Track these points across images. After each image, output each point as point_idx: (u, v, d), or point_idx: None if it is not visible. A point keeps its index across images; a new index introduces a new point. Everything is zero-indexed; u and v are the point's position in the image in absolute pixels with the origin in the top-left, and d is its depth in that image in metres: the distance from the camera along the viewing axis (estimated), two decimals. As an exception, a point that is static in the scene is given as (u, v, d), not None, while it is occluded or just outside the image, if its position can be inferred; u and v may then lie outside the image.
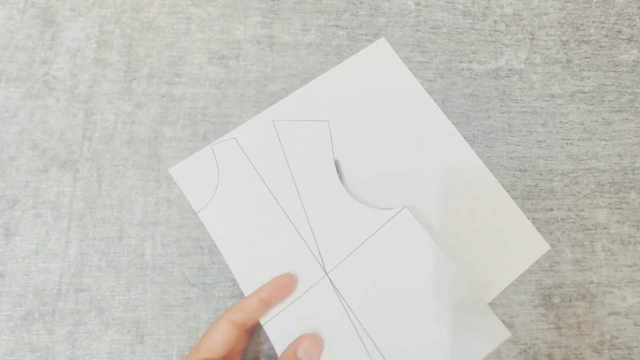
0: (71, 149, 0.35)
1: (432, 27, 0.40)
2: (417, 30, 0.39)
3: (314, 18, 0.39)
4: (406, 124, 0.37)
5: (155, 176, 0.35)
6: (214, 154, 0.35)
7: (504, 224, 0.35)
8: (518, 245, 0.34)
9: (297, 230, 0.33)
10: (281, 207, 0.34)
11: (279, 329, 0.30)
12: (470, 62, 0.39)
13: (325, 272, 0.32)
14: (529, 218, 0.35)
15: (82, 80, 0.36)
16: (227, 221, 0.34)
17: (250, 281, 0.32)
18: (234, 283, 0.33)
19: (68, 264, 0.33)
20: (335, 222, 0.33)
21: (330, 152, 0.35)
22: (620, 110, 0.39)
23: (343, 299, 0.31)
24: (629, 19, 0.41)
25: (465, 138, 0.37)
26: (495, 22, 0.40)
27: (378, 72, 0.38)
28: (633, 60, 0.40)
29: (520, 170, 0.37)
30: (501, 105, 0.38)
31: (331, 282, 0.31)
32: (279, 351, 0.30)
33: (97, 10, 0.38)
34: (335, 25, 0.39)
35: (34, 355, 0.31)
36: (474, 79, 0.38)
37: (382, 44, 0.38)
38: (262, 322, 0.30)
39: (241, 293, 0.33)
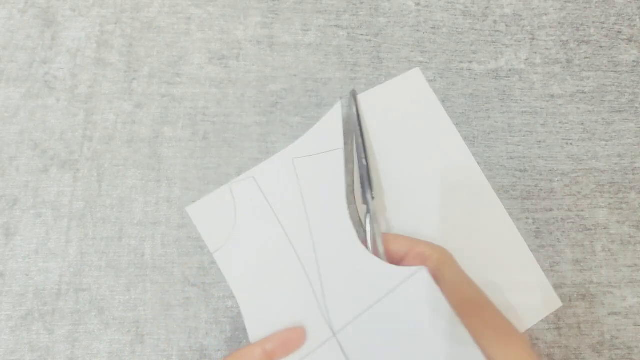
0: (71, 148, 0.35)
1: (432, 27, 0.40)
2: (417, 31, 0.39)
3: (314, 18, 0.39)
4: (431, 160, 0.36)
5: (156, 176, 0.35)
6: (232, 193, 0.34)
7: (519, 277, 0.34)
8: (530, 300, 0.33)
9: (309, 280, 0.31)
10: (296, 254, 0.32)
11: None
12: (470, 62, 0.39)
13: (333, 333, 0.29)
14: (528, 218, 0.35)
15: (82, 80, 0.36)
16: (242, 263, 0.32)
17: (260, 328, 0.30)
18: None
19: (68, 263, 0.33)
20: (347, 275, 0.30)
21: (343, 183, 0.32)
22: (620, 111, 0.39)
23: None
24: (628, 19, 0.41)
25: (465, 138, 0.37)
26: (495, 22, 0.40)
27: (408, 102, 0.37)
28: (633, 61, 0.40)
29: (520, 171, 0.37)
30: (501, 106, 0.38)
31: (340, 345, 0.28)
32: None
33: (97, 10, 0.38)
34: (336, 26, 0.39)
35: (34, 355, 0.31)
36: (474, 79, 0.38)
37: (415, 73, 0.38)
38: None
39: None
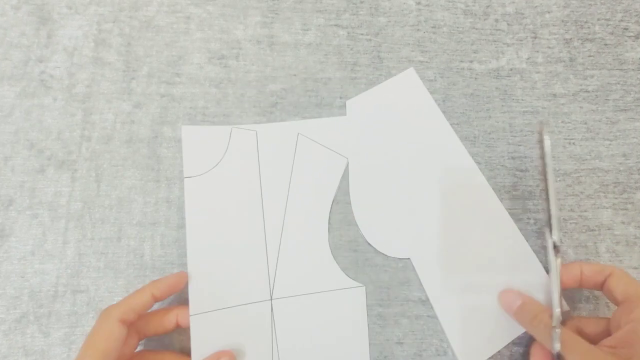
0: (69, 148, 0.35)
1: (432, 27, 0.39)
2: (418, 30, 0.39)
3: (314, 18, 0.39)
4: (429, 161, 0.36)
5: (155, 176, 0.35)
6: (230, 135, 0.35)
7: (521, 277, 0.33)
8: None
9: (265, 246, 0.33)
10: (263, 217, 0.34)
11: (203, 326, 0.30)
12: (471, 61, 0.39)
13: (271, 297, 0.32)
14: (530, 219, 0.35)
15: (79, 79, 0.36)
16: (208, 201, 0.33)
17: (200, 264, 0.32)
18: (233, 285, 0.33)
19: (65, 265, 0.33)
20: (302, 260, 0.33)
21: (334, 191, 0.35)
22: (625, 109, 0.38)
23: (275, 329, 0.31)
24: (636, 15, 0.40)
25: (465, 138, 0.36)
26: (496, 20, 0.40)
27: (404, 103, 0.37)
28: (639, 58, 0.40)
29: (522, 171, 0.36)
30: (502, 105, 0.38)
31: (272, 308, 0.32)
32: (194, 346, 0.30)
33: (94, 8, 0.38)
34: (336, 25, 0.39)
35: (28, 359, 0.31)
36: (475, 78, 0.38)
37: (410, 74, 0.38)
38: (190, 313, 0.30)
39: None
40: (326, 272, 0.33)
